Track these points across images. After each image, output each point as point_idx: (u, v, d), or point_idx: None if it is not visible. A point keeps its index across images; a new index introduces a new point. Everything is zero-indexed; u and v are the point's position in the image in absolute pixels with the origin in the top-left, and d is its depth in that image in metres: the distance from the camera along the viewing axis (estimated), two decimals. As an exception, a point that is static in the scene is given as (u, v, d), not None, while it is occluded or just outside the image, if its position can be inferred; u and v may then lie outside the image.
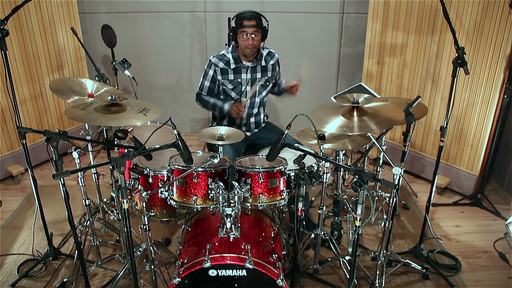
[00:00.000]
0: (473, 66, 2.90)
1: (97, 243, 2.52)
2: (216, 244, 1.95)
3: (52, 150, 1.87)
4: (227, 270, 1.84)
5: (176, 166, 2.00)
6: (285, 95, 2.90)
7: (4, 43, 2.06)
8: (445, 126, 2.28)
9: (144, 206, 1.96)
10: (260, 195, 1.99)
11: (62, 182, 1.98)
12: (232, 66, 2.67)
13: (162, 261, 2.45)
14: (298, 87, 2.76)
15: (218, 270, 1.83)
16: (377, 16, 3.42)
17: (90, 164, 2.13)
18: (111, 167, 1.82)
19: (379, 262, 2.27)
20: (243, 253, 1.87)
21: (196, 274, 1.83)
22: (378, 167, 2.75)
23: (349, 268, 2.28)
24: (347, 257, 2.42)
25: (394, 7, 3.29)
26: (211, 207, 2.00)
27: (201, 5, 3.87)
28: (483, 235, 2.86)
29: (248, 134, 2.84)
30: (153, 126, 2.55)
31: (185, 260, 1.92)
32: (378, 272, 2.27)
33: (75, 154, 2.15)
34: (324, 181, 2.25)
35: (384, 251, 2.29)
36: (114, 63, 3.04)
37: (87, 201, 2.39)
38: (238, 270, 1.83)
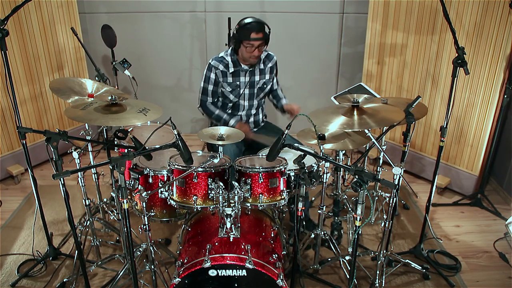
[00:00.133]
0: (473, 66, 2.90)
1: (97, 243, 2.52)
2: (216, 244, 1.95)
3: (52, 150, 1.87)
4: (227, 270, 1.84)
5: (176, 166, 2.00)
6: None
7: (4, 43, 2.06)
8: (445, 126, 2.28)
9: (144, 206, 1.96)
10: (260, 195, 1.99)
11: (62, 182, 1.98)
12: (231, 69, 2.67)
13: (162, 261, 2.45)
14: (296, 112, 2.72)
15: (218, 270, 1.83)
16: (377, 16, 3.42)
17: (90, 164, 2.13)
18: (111, 167, 1.82)
19: (379, 262, 2.27)
20: (243, 253, 1.87)
21: (196, 274, 1.83)
22: (378, 167, 2.75)
23: (349, 268, 2.29)
24: (347, 257, 2.42)
25: (394, 7, 3.29)
26: (211, 207, 2.00)
27: (201, 5, 3.87)
28: (483, 235, 2.86)
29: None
30: (153, 126, 2.55)
31: (185, 260, 1.92)
32: (378, 272, 2.27)
33: (75, 154, 2.15)
34: (324, 181, 2.25)
35: (384, 251, 2.29)
36: (114, 63, 3.04)
37: (87, 201, 2.39)
38: (238, 270, 1.83)
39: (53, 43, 3.51)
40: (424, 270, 2.44)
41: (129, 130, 2.56)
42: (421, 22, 3.16)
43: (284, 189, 2.05)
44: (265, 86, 2.81)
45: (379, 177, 1.71)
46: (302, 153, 1.88)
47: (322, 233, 2.40)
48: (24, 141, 2.19)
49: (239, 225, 2.02)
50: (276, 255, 2.03)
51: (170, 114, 1.91)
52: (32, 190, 2.34)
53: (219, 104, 2.80)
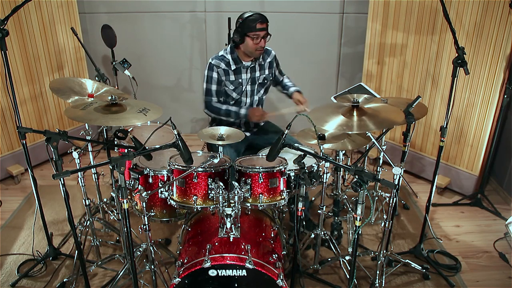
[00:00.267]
0: (473, 66, 2.90)
1: (97, 243, 2.52)
2: (216, 244, 1.95)
3: (52, 150, 1.87)
4: (227, 270, 1.84)
5: (176, 166, 2.00)
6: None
7: (4, 43, 2.06)
8: (445, 126, 2.28)
9: (144, 206, 1.96)
10: (260, 195, 1.99)
11: (62, 182, 1.98)
12: (233, 67, 2.67)
13: (162, 261, 2.45)
14: (304, 105, 2.71)
15: (218, 270, 1.83)
16: (377, 16, 3.42)
17: (90, 164, 2.13)
18: (111, 167, 1.82)
19: (379, 262, 2.27)
20: (243, 253, 1.87)
21: (196, 274, 1.83)
22: (378, 167, 2.75)
23: (349, 268, 2.28)
24: (347, 257, 2.42)
25: (394, 7, 3.29)
26: (211, 207, 2.00)
27: (201, 5, 3.87)
28: (483, 235, 2.86)
29: (248, 134, 2.84)
30: (153, 126, 2.55)
31: (185, 260, 1.92)
32: (378, 272, 2.27)
33: (75, 154, 2.15)
34: (324, 181, 2.24)
35: (384, 251, 2.29)
36: (114, 63, 3.04)
37: (87, 201, 2.39)
38: (238, 270, 1.83)
39: (53, 43, 3.51)
40: (424, 270, 2.44)
41: (129, 130, 2.56)
42: (421, 22, 3.15)
43: (284, 189, 2.05)
44: (265, 81, 2.81)
45: (379, 177, 1.71)
46: (302, 153, 1.88)
47: (322, 233, 2.40)
48: (24, 141, 2.19)
49: (239, 225, 2.02)
50: (276, 255, 2.03)
51: (170, 114, 1.91)
52: (32, 190, 2.34)
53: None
